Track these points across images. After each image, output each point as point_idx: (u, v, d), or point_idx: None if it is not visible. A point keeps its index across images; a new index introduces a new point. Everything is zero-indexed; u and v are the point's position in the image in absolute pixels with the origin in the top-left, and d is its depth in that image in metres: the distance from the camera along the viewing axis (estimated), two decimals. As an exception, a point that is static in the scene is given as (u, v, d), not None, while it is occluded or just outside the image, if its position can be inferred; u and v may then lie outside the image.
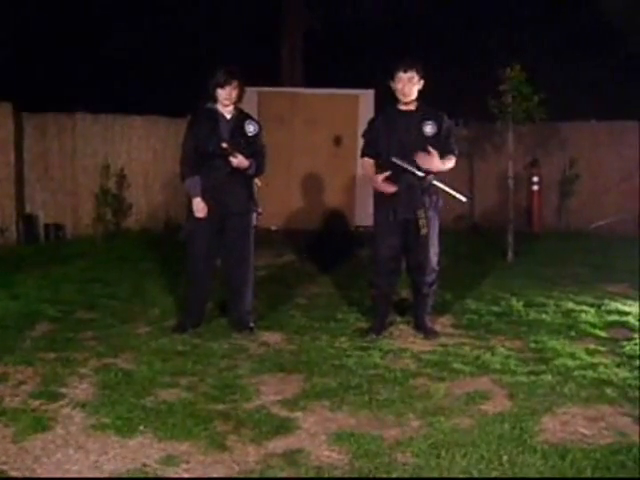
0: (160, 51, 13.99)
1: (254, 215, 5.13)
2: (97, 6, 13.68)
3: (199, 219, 4.99)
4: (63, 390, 3.96)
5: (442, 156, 4.86)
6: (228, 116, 5.02)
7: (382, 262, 5.02)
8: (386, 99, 4.98)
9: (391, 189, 4.85)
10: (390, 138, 4.91)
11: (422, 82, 4.92)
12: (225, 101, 4.96)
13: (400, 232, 4.94)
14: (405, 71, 4.86)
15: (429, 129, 4.89)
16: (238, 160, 4.88)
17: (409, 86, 4.86)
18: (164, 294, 6.28)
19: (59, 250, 9.02)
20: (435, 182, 4.91)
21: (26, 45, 13.50)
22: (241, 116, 5.08)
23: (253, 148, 5.03)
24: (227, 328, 5.18)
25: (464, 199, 5.07)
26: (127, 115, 10.82)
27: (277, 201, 11.23)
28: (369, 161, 5.07)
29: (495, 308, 5.89)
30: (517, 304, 5.98)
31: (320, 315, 5.54)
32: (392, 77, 4.91)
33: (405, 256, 5.08)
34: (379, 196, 4.99)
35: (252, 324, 5.15)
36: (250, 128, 5.05)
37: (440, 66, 13.59)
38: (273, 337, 5.07)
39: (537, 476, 2.98)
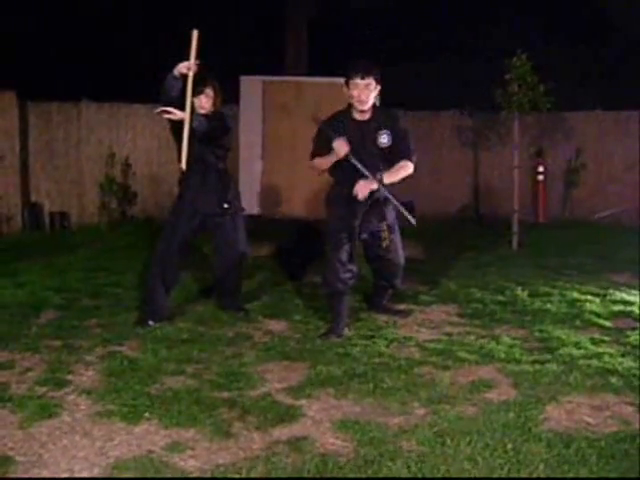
0: (164, 39, 13.95)
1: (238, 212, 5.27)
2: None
3: (182, 211, 5.16)
4: (69, 377, 3.98)
5: (397, 162, 4.68)
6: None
7: (337, 261, 4.81)
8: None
9: (345, 148, 4.53)
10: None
11: (379, 88, 4.63)
12: (201, 110, 4.99)
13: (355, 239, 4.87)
14: (362, 77, 4.54)
15: (384, 140, 4.67)
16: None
17: (366, 93, 4.56)
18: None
19: (64, 239, 9.05)
20: (389, 197, 4.68)
21: (30, 34, 13.48)
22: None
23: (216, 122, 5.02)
24: (232, 316, 5.20)
25: (413, 222, 4.66)
26: (132, 104, 10.79)
27: (281, 190, 11.22)
28: (320, 159, 4.78)
29: (500, 297, 5.89)
30: (522, 293, 5.98)
31: (324, 303, 5.54)
32: (347, 83, 4.61)
33: (371, 265, 5.20)
34: (338, 201, 4.85)
35: (243, 305, 5.40)
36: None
37: (445, 55, 13.59)
38: (278, 325, 5.09)
39: (542, 464, 2.99)
